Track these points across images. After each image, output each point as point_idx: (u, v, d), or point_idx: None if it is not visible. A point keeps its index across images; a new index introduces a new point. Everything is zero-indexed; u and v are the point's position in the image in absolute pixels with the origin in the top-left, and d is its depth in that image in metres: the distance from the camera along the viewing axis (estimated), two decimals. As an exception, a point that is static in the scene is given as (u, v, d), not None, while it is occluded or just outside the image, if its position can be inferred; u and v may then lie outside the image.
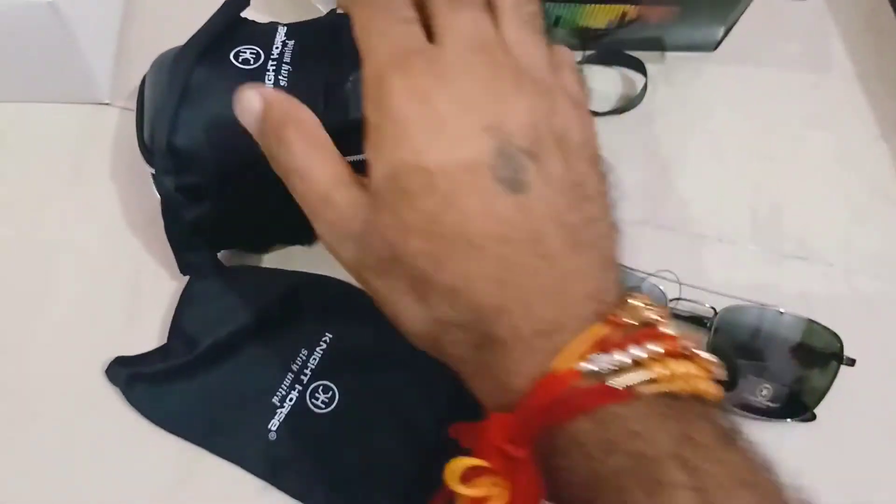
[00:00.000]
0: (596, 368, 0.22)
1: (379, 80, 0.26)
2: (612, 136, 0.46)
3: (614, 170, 0.28)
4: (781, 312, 0.40)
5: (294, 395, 0.39)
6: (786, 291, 0.42)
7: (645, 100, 0.47)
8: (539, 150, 0.25)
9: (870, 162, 0.46)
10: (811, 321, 0.40)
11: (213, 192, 0.38)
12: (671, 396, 0.22)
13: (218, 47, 0.38)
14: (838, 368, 0.39)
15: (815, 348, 0.40)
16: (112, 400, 0.38)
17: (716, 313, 0.40)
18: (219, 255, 0.41)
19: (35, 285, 0.40)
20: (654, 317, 0.24)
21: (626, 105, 0.47)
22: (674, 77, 0.48)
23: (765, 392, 0.40)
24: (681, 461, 0.21)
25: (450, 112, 0.25)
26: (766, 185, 0.45)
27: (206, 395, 0.38)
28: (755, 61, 0.48)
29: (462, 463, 0.24)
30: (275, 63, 0.38)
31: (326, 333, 0.40)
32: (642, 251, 0.43)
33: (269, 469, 0.37)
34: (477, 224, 0.24)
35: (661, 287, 0.40)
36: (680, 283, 0.40)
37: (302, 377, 0.39)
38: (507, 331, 0.24)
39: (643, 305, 0.24)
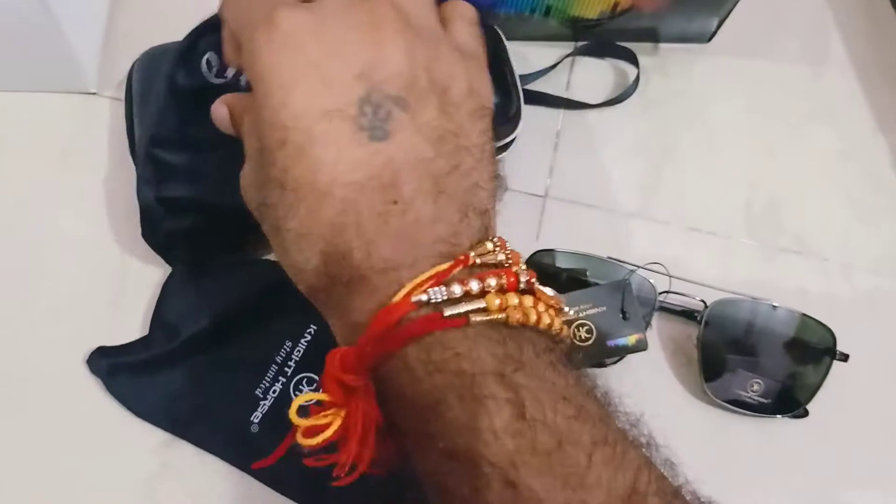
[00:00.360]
0: (427, 299, 0.23)
1: (248, 41, 0.26)
2: (605, 127, 0.46)
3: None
4: (774, 307, 0.39)
5: (278, 387, 0.38)
6: (780, 286, 0.42)
7: (638, 92, 0.46)
8: (410, 97, 0.25)
9: (867, 156, 0.45)
10: (804, 316, 0.39)
11: (193, 206, 0.38)
12: (505, 326, 0.23)
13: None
14: (831, 364, 0.39)
15: (808, 343, 0.39)
16: (93, 390, 0.37)
17: (706, 306, 0.39)
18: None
19: (20, 274, 0.40)
20: (503, 257, 0.25)
21: (619, 97, 0.46)
22: (668, 69, 0.47)
23: (756, 387, 0.39)
24: (500, 377, 0.22)
25: (321, 60, 0.25)
26: (762, 178, 0.45)
27: (187, 387, 0.38)
28: (750, 54, 0.48)
29: (304, 398, 0.25)
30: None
31: (311, 325, 0.40)
32: (634, 244, 0.42)
33: (250, 461, 0.37)
34: (326, 172, 0.24)
35: (652, 280, 0.39)
36: (670, 276, 0.39)
37: (286, 369, 0.39)
38: (350, 272, 0.24)
39: (493, 249, 0.25)
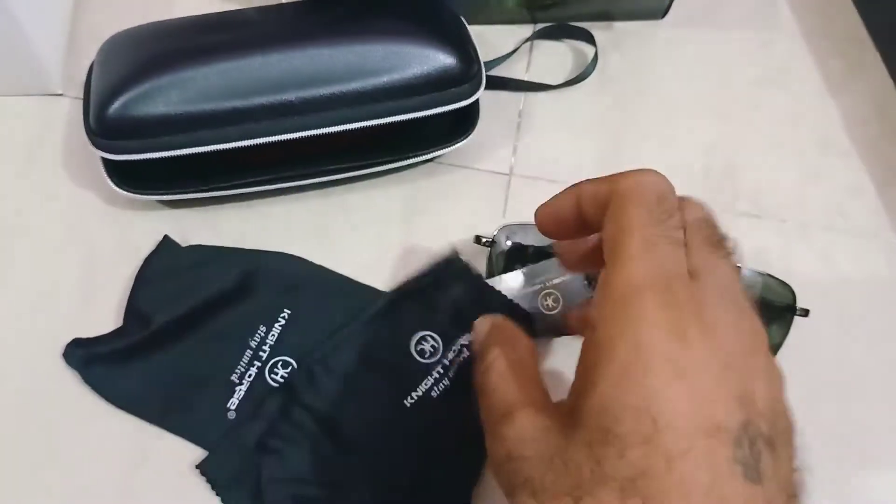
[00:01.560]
0: None
1: (631, 295, 0.23)
2: (565, 105, 0.47)
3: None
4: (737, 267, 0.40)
5: (253, 371, 0.39)
6: (740, 248, 0.42)
7: (597, 70, 0.47)
8: (775, 437, 0.22)
9: (819, 118, 0.46)
10: (765, 275, 0.40)
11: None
12: None
13: None
14: (792, 320, 0.40)
15: (770, 302, 0.40)
16: (69, 382, 0.38)
17: None
18: (174, 237, 0.41)
19: (-8, 274, 0.41)
20: None
21: (578, 77, 0.47)
22: (624, 46, 0.48)
23: None
24: None
25: (706, 367, 0.22)
26: (719, 144, 0.46)
27: (163, 375, 0.38)
28: (704, 24, 0.49)
29: None
30: None
31: (285, 309, 0.40)
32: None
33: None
34: (695, 500, 0.20)
35: None
36: None
37: (261, 353, 0.39)
38: None
39: None
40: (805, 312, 0.40)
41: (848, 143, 0.46)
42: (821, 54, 0.48)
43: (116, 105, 0.37)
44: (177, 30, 0.41)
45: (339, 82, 0.39)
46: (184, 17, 0.41)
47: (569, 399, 0.25)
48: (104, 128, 0.38)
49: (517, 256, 0.41)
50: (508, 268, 0.41)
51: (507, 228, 0.41)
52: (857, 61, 0.48)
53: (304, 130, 0.39)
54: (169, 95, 0.37)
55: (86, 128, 0.39)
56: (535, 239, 0.41)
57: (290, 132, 0.39)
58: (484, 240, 0.41)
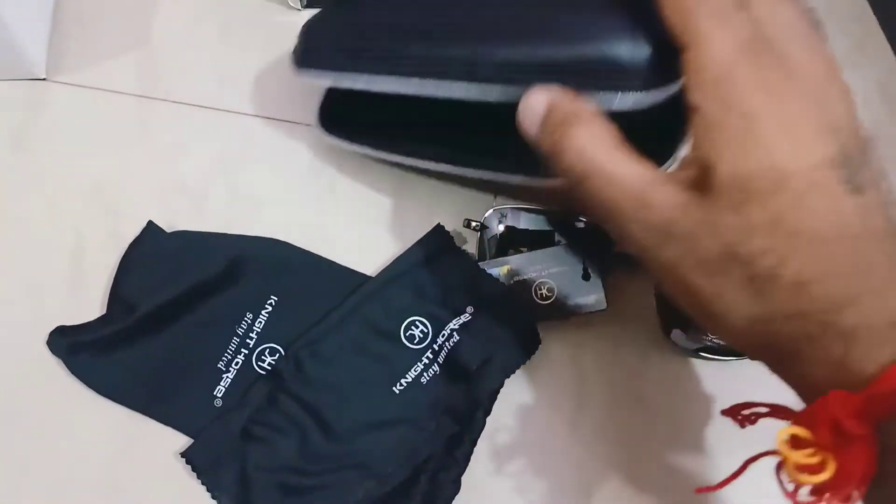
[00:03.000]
0: None
1: (723, 73, 0.25)
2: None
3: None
4: None
5: (240, 359, 0.38)
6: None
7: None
8: (862, 151, 0.25)
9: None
10: None
11: None
12: None
13: None
14: None
15: None
16: (54, 370, 0.37)
17: None
18: (159, 222, 0.40)
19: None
20: None
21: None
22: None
23: None
24: None
25: (800, 110, 0.25)
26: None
27: (148, 363, 0.38)
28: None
29: (789, 431, 0.24)
30: None
31: (271, 296, 0.40)
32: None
33: (215, 434, 0.37)
34: (825, 222, 0.24)
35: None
36: None
37: (248, 341, 0.39)
38: (857, 320, 0.24)
39: None
40: None
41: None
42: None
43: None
44: None
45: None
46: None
47: (688, 174, 0.27)
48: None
49: (510, 240, 0.40)
50: (501, 251, 0.40)
51: (498, 211, 0.40)
52: (861, 41, 0.47)
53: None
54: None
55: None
56: (527, 222, 0.40)
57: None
58: (474, 223, 0.40)
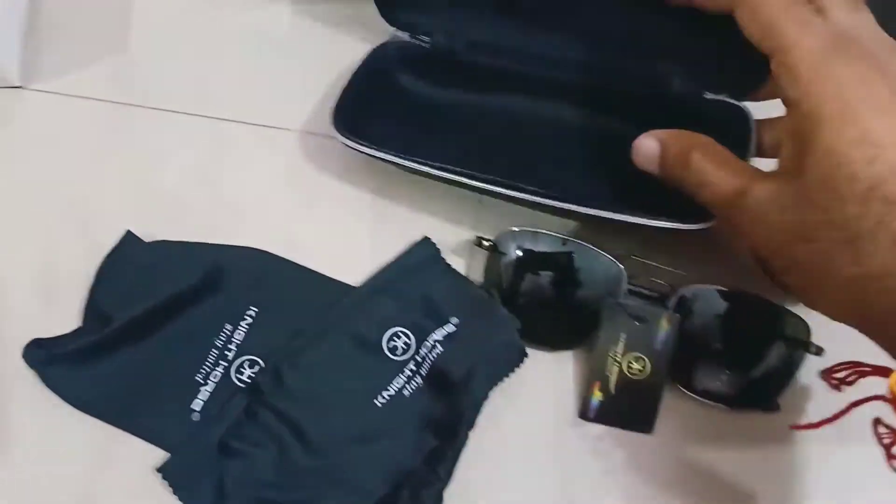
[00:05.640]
0: None
1: (820, 66, 0.29)
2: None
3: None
4: (748, 296, 0.38)
5: (219, 371, 0.38)
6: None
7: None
8: None
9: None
10: (779, 306, 0.38)
11: None
12: None
13: None
14: (804, 357, 0.38)
15: (781, 335, 0.38)
16: (29, 383, 0.37)
17: (673, 290, 0.38)
18: (137, 231, 0.40)
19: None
20: None
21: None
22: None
23: (725, 378, 0.38)
24: None
25: (890, 97, 0.28)
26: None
27: (124, 375, 0.37)
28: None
29: None
30: None
31: (251, 307, 0.39)
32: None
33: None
34: None
35: (621, 265, 0.38)
36: (645, 262, 0.39)
37: (227, 353, 0.38)
38: None
39: None
40: (819, 351, 0.37)
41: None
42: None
43: None
44: None
45: None
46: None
47: (784, 167, 0.31)
48: None
49: (529, 266, 0.39)
50: (519, 277, 0.39)
51: (512, 234, 0.39)
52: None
53: None
54: None
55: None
56: (545, 245, 0.39)
57: None
58: (486, 242, 0.39)
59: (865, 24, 0.31)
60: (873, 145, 0.27)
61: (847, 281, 0.28)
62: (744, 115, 0.38)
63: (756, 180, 0.31)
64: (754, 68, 0.33)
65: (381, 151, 0.38)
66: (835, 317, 0.31)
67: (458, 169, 0.37)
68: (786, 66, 0.30)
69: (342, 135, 0.38)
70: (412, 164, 0.37)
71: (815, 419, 0.37)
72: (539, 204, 0.36)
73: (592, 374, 0.37)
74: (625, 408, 0.37)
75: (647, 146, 0.35)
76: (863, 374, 0.34)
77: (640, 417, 0.37)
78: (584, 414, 0.38)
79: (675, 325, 0.37)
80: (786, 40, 0.30)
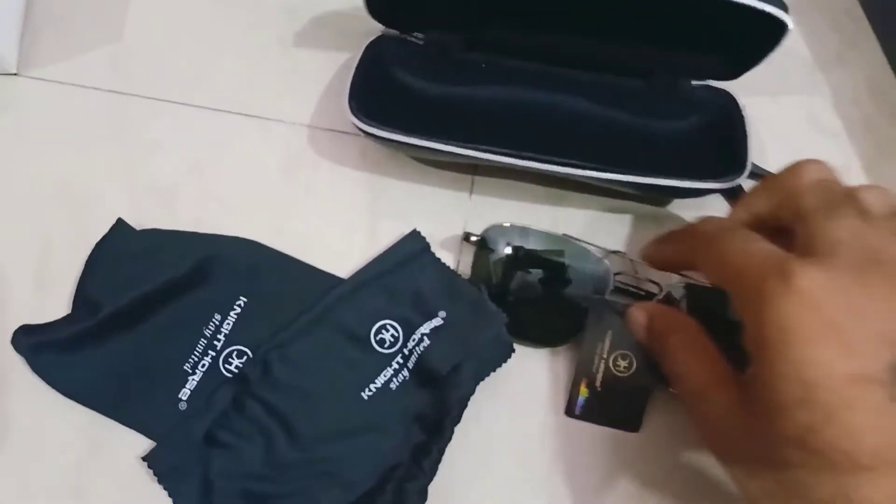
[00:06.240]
0: None
1: (758, 291, 0.26)
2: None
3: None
4: None
5: (207, 361, 0.38)
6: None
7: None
8: None
9: (807, 94, 0.44)
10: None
11: None
12: None
13: None
14: None
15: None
16: (18, 369, 0.37)
17: (660, 287, 0.38)
18: (129, 220, 0.40)
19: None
20: None
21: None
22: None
23: None
24: None
25: (843, 321, 0.24)
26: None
27: (113, 364, 0.37)
28: None
29: None
30: None
31: (241, 297, 0.39)
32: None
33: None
34: (866, 443, 0.23)
35: (607, 262, 0.38)
36: (633, 260, 0.38)
37: (215, 342, 0.38)
38: None
39: None
40: None
41: (837, 121, 0.43)
42: (814, 29, 0.46)
43: None
44: None
45: None
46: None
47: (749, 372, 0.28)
48: None
49: (517, 261, 0.39)
50: (506, 273, 0.38)
51: (501, 230, 0.39)
52: (852, 38, 0.46)
53: None
54: None
55: None
56: (536, 241, 0.39)
57: None
58: (473, 237, 0.39)
59: (842, 236, 0.27)
60: (803, 384, 0.24)
61: None
62: (732, 100, 0.40)
63: (722, 385, 0.30)
64: (739, 55, 0.32)
65: (408, 136, 0.37)
66: None
67: (485, 147, 0.37)
68: (731, 288, 0.29)
69: (366, 123, 0.38)
70: (449, 147, 0.37)
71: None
72: (561, 181, 0.38)
73: (579, 372, 0.37)
74: (611, 405, 0.37)
75: (636, 317, 0.35)
76: None
77: (627, 415, 0.37)
78: (571, 411, 0.37)
79: None
80: (729, 272, 0.29)
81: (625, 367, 0.37)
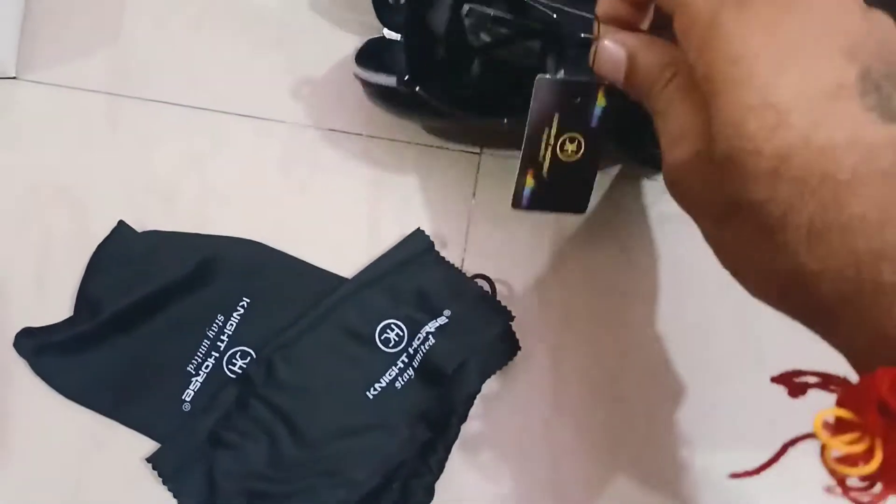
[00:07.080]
0: None
1: (711, 23, 0.24)
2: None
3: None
4: None
5: (210, 362, 0.38)
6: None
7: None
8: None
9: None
10: None
11: None
12: None
13: None
14: None
15: None
16: (20, 372, 0.37)
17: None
18: (130, 221, 0.39)
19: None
20: None
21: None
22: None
23: None
24: None
25: (800, 39, 0.23)
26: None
27: (115, 365, 0.37)
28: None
29: (828, 412, 0.21)
30: None
31: (244, 298, 0.39)
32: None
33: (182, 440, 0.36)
34: (845, 158, 0.21)
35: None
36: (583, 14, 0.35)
37: (219, 344, 0.38)
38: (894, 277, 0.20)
39: None
40: None
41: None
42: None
43: None
44: None
45: None
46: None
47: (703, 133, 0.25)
48: None
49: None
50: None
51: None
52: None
53: None
54: None
55: None
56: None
57: None
58: None
59: None
60: (774, 109, 0.22)
61: (771, 275, 0.24)
62: None
63: (684, 145, 0.26)
64: None
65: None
66: (779, 310, 0.25)
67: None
68: (679, 28, 0.25)
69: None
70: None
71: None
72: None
73: (525, 162, 0.34)
74: (558, 191, 0.34)
75: (611, 53, 0.29)
76: (808, 386, 0.26)
77: (573, 198, 0.35)
78: (518, 203, 0.34)
79: (613, 99, 0.33)
80: (678, 3, 0.25)
81: (572, 151, 0.34)
